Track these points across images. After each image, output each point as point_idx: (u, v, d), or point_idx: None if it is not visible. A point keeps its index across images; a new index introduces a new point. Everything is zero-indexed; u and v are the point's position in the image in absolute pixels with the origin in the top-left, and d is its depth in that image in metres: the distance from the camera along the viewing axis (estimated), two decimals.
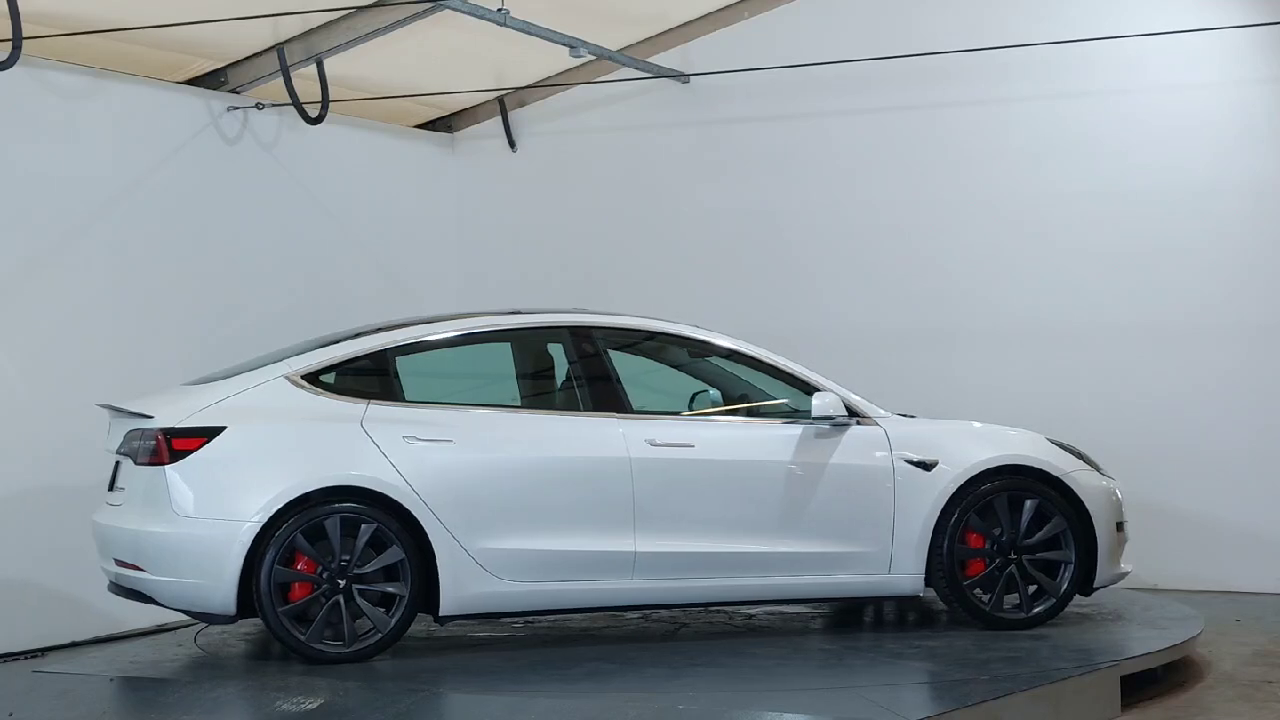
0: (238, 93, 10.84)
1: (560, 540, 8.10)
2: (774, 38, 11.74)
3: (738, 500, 8.30)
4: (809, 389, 8.52)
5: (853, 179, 11.74)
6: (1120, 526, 8.69)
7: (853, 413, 8.47)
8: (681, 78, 12.06)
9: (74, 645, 9.44)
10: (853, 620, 9.09)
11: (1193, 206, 10.83)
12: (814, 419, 8.38)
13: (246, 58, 10.71)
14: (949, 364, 11.34)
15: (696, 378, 9.04)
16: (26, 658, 9.13)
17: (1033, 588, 8.48)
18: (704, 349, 8.84)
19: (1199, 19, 10.51)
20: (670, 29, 12.00)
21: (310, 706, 7.12)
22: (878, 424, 8.48)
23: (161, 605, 8.04)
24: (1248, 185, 10.71)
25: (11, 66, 9.05)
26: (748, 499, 8.32)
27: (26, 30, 9.01)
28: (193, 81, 10.72)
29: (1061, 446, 8.72)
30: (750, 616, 9.11)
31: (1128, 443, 10.52)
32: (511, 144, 12.68)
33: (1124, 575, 8.78)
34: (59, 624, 9.48)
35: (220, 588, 7.71)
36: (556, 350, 8.67)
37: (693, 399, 8.88)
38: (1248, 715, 7.49)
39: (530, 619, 9.14)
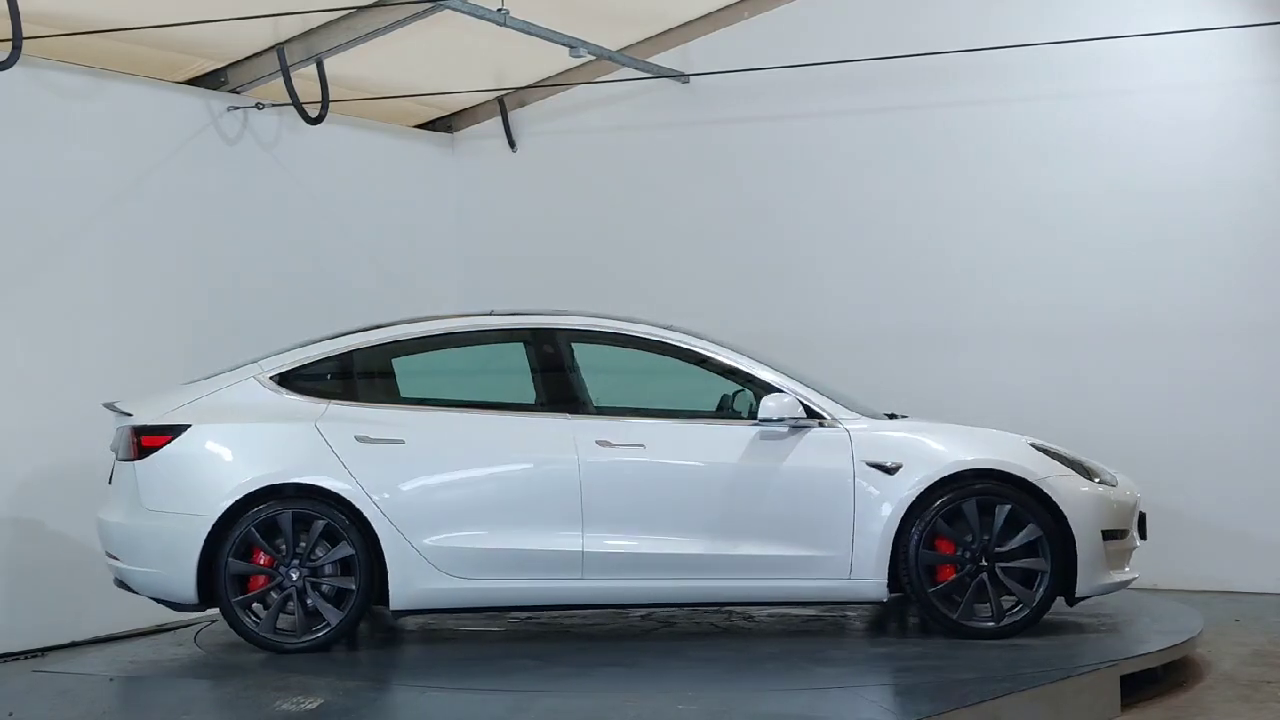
0: (238, 93, 10.85)
1: (508, 539, 8.21)
2: (774, 38, 11.74)
3: (688, 501, 8.25)
4: (769, 389, 8.40)
5: (853, 179, 11.74)
6: (1117, 534, 8.35)
7: (813, 414, 8.35)
8: (681, 78, 12.06)
9: (74, 645, 9.44)
10: (856, 621, 9.08)
11: (1194, 206, 10.83)
12: (760, 421, 8.28)
13: (246, 58, 10.72)
14: (950, 364, 11.33)
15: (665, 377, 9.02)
16: (26, 658, 9.13)
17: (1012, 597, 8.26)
18: (664, 349, 8.70)
19: (1199, 19, 10.51)
20: (670, 29, 12.01)
21: (310, 706, 7.12)
22: (841, 425, 8.34)
23: (136, 593, 8.46)
24: (1249, 185, 10.71)
25: (11, 66, 9.05)
26: (698, 500, 8.25)
27: (26, 30, 9.01)
28: (193, 81, 10.73)
29: (1044, 450, 8.42)
30: (750, 618, 9.11)
31: (1128, 442, 10.51)
32: (511, 144, 12.68)
33: (1120, 584, 8.46)
34: (59, 624, 9.48)
35: (182, 577, 8.14)
36: (518, 351, 8.69)
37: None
38: (1247, 715, 7.49)
39: (532, 615, 9.18)
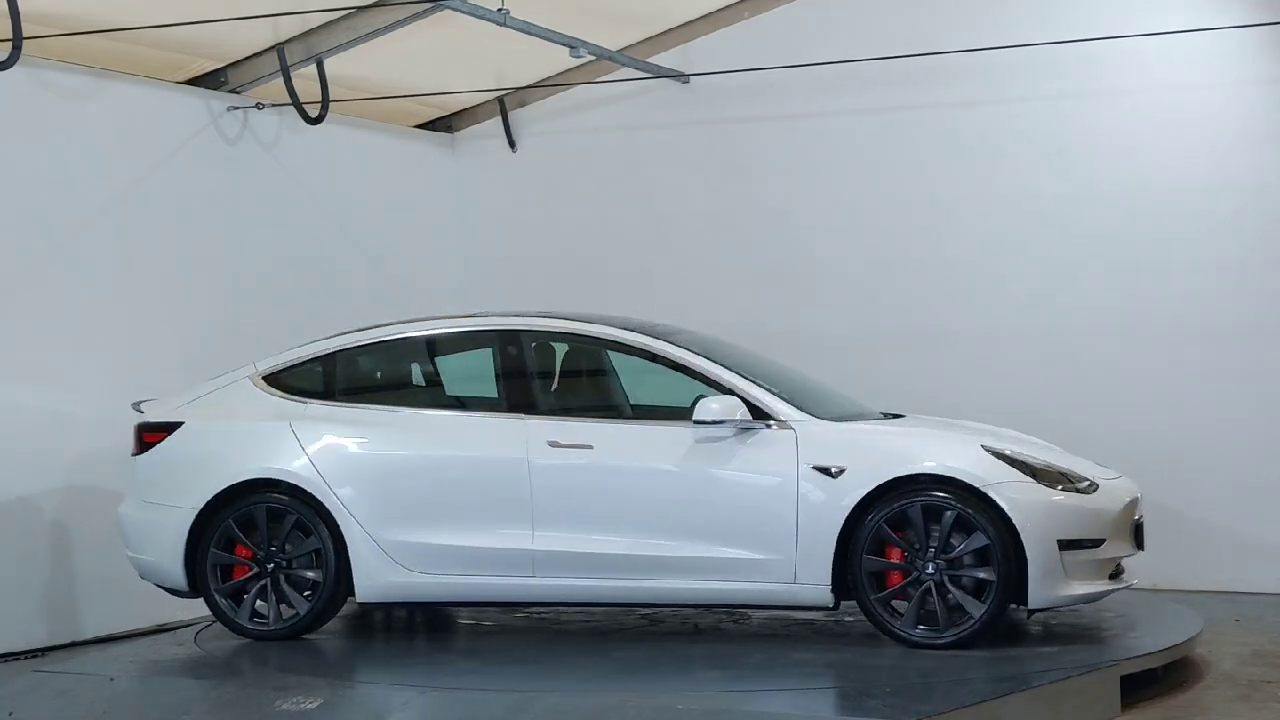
0: (238, 93, 10.85)
1: (463, 536, 8.37)
2: (774, 38, 11.74)
3: (634, 502, 8.24)
4: (719, 390, 8.31)
5: (853, 178, 11.74)
6: (1081, 544, 7.94)
7: (761, 414, 8.21)
8: (681, 78, 12.06)
9: (74, 645, 9.45)
10: (854, 624, 9.07)
11: (1194, 206, 10.82)
12: (696, 422, 8.17)
13: (246, 58, 10.72)
14: (951, 361, 11.32)
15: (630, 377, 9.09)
16: (26, 658, 9.14)
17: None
18: (618, 349, 8.74)
19: (1199, 19, 10.51)
20: (670, 29, 12.00)
21: (310, 706, 7.13)
22: (789, 427, 8.16)
23: (144, 579, 8.87)
24: (1249, 184, 10.71)
25: (11, 66, 9.05)
26: (644, 501, 8.24)
27: (26, 30, 9.01)
28: (193, 81, 10.72)
29: (998, 454, 8.02)
30: (748, 619, 9.09)
31: (1129, 441, 10.51)
32: (511, 144, 12.68)
33: (1088, 596, 8.10)
34: (59, 624, 9.49)
35: (173, 566, 8.58)
36: (484, 353, 8.85)
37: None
38: (1246, 715, 7.49)
39: (532, 611, 9.24)
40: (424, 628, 9.22)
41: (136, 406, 8.93)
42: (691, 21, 11.98)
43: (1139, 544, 8.36)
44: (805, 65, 11.30)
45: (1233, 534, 10.72)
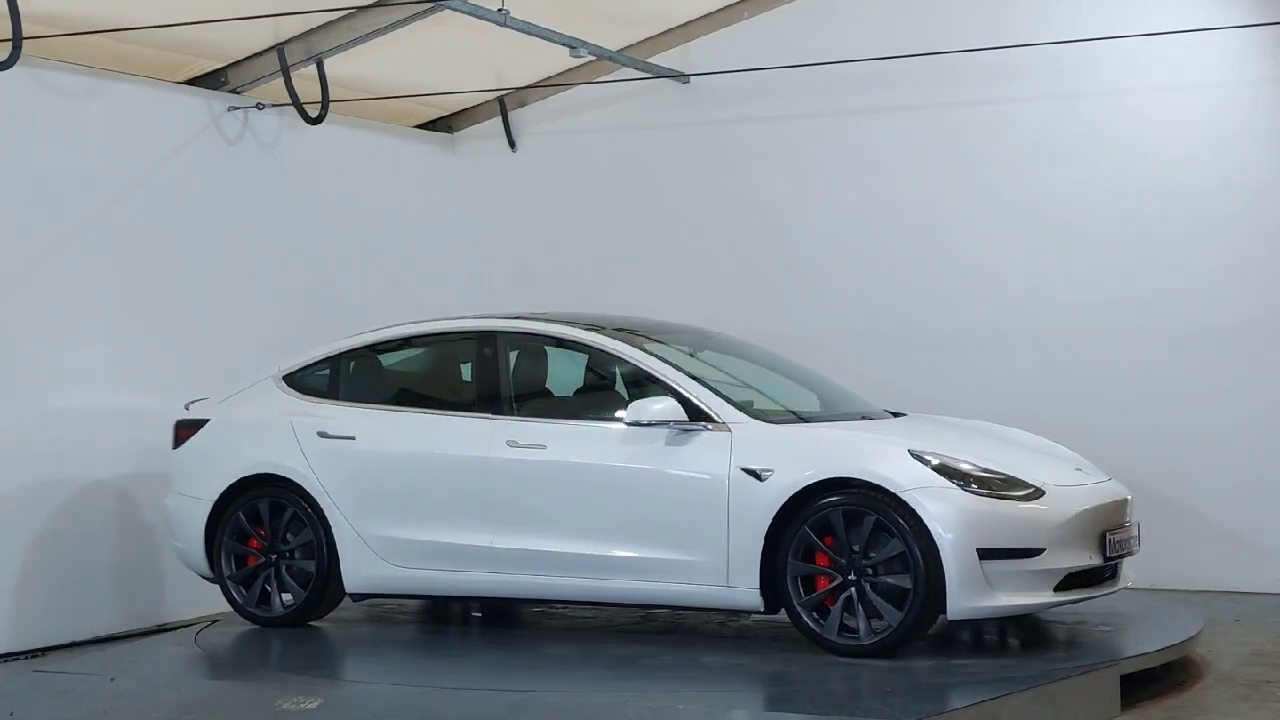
0: (238, 93, 10.85)
1: (433, 532, 8.59)
2: (774, 38, 11.74)
3: (579, 501, 8.32)
4: (666, 390, 8.27)
5: (854, 178, 11.74)
6: (1007, 553, 7.60)
7: (701, 415, 8.14)
8: (681, 78, 12.06)
9: (74, 645, 9.45)
10: None
11: (1194, 206, 10.82)
12: (628, 424, 8.19)
13: (247, 58, 10.72)
14: (954, 363, 11.32)
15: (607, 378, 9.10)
16: (26, 658, 9.14)
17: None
18: (580, 349, 8.81)
19: (1199, 19, 10.50)
20: (670, 29, 12.01)
21: (310, 706, 7.13)
22: (728, 429, 8.08)
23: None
24: (1248, 183, 10.71)
25: (11, 66, 9.06)
26: (588, 500, 8.30)
27: (26, 30, 9.01)
28: (193, 81, 10.73)
29: (922, 458, 7.75)
30: (751, 620, 9.09)
31: (1128, 441, 10.52)
32: (511, 144, 12.68)
33: (1016, 608, 7.73)
34: (59, 624, 9.49)
35: (197, 554, 9.06)
36: (466, 353, 9.05)
37: None
38: (1246, 715, 7.49)
39: (539, 610, 9.27)
40: (425, 627, 9.22)
41: (187, 405, 9.32)
42: (691, 21, 11.98)
43: (1105, 554, 7.96)
44: (805, 65, 11.31)
45: (1233, 534, 10.72)
